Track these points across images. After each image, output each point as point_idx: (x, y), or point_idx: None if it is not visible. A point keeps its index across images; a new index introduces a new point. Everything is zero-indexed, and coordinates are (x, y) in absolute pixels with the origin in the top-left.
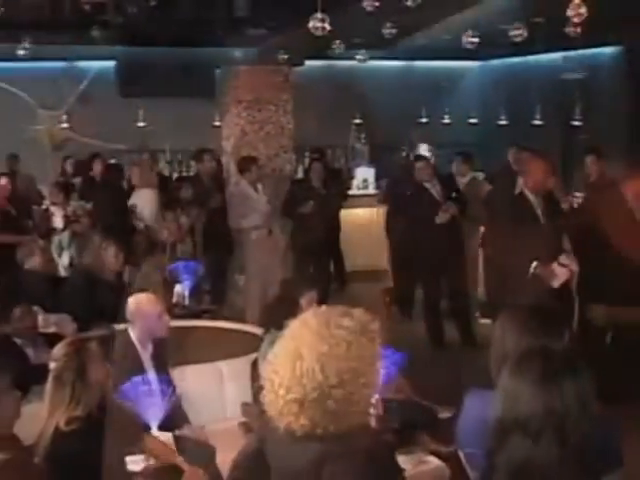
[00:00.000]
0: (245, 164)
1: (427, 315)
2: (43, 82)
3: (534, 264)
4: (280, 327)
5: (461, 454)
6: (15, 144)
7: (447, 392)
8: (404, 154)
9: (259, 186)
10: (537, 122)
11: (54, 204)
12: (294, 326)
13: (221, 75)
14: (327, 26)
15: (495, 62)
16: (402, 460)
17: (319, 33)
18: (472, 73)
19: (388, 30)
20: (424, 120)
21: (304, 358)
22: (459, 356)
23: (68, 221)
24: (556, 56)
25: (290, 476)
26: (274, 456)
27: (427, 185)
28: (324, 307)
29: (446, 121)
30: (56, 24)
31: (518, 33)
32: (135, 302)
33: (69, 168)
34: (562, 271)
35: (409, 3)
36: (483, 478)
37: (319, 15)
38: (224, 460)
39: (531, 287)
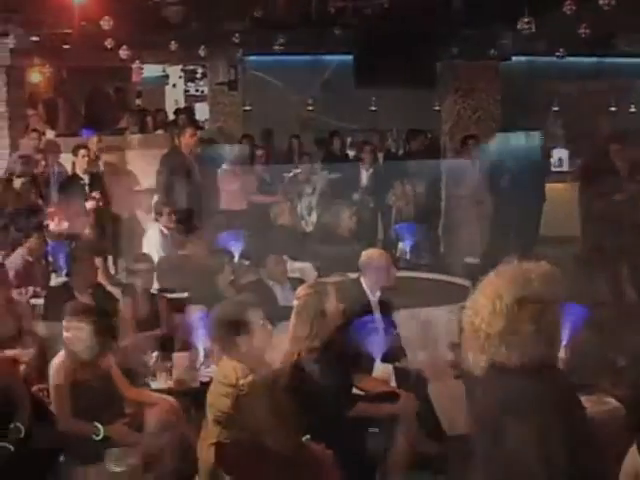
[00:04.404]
0: (464, 140)
1: (609, 278)
2: (293, 72)
3: None
4: None
5: None
6: (269, 123)
7: (625, 344)
8: (597, 137)
9: (477, 162)
10: None
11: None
12: (489, 276)
13: (441, 68)
14: (533, 27)
15: None
16: (583, 400)
17: (526, 33)
18: None
19: (583, 30)
20: (613, 109)
21: (503, 297)
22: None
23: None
24: None
25: (488, 408)
26: (477, 390)
27: (618, 165)
28: (514, 261)
29: (632, 110)
30: (305, 24)
31: None
32: (367, 256)
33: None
34: None
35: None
36: None
37: (526, 18)
38: (434, 389)
39: None
